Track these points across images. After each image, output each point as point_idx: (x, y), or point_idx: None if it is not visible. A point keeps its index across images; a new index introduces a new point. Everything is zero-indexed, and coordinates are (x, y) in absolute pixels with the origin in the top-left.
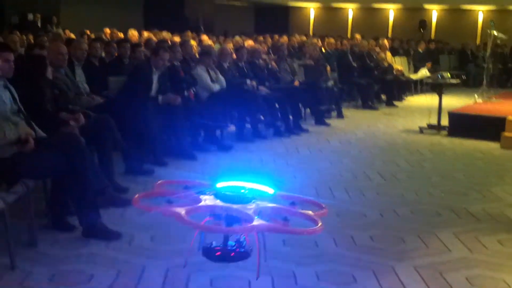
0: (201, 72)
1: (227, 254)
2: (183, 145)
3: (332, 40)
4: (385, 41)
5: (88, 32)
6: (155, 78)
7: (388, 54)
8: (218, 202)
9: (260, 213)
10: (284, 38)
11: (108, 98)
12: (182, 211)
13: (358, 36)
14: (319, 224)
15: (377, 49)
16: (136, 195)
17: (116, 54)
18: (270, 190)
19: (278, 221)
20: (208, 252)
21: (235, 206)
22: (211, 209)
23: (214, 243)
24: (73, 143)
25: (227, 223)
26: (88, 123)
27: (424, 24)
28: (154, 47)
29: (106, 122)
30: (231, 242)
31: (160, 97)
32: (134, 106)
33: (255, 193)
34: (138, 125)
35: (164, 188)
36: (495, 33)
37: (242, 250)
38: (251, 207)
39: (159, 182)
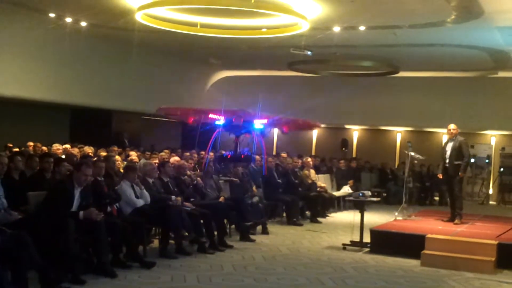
0: (125, 187)
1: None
2: (103, 262)
3: (257, 157)
4: (309, 159)
5: (10, 145)
6: (76, 193)
7: (312, 171)
8: None
9: None
10: (211, 154)
11: (27, 213)
12: None
13: (283, 154)
14: None
15: (299, 164)
16: None
17: (38, 168)
18: None
19: None
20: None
21: None
22: None
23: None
24: None
25: None
26: (3, 241)
27: (346, 143)
28: (77, 162)
29: (22, 239)
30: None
31: (81, 213)
32: (53, 222)
33: None
34: (56, 242)
35: None
36: (412, 153)
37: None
38: None
39: None
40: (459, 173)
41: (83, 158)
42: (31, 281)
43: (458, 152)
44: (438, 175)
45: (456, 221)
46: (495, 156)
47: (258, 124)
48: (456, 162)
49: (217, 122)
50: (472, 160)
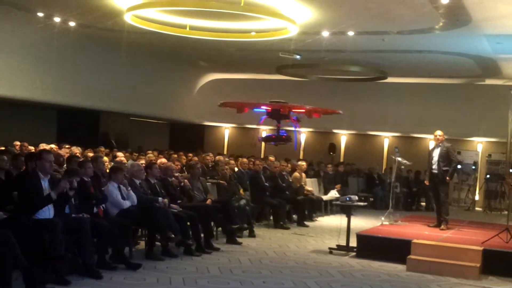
0: (112, 188)
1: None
2: (88, 263)
3: (245, 160)
4: (303, 163)
5: None
6: (44, 183)
7: (304, 175)
8: None
9: None
10: (199, 158)
11: (12, 213)
12: None
13: (271, 158)
14: None
15: (286, 168)
16: None
17: (24, 168)
18: None
19: None
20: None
21: None
22: None
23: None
24: None
25: None
26: None
27: (333, 147)
28: (36, 152)
29: (7, 239)
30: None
31: (52, 193)
32: (35, 221)
33: None
34: (43, 242)
35: None
36: (399, 159)
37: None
38: None
39: None
40: (447, 178)
41: (70, 158)
42: (15, 281)
43: (445, 158)
44: (425, 182)
45: (442, 227)
46: (482, 162)
47: (296, 112)
48: (445, 168)
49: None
50: (459, 166)
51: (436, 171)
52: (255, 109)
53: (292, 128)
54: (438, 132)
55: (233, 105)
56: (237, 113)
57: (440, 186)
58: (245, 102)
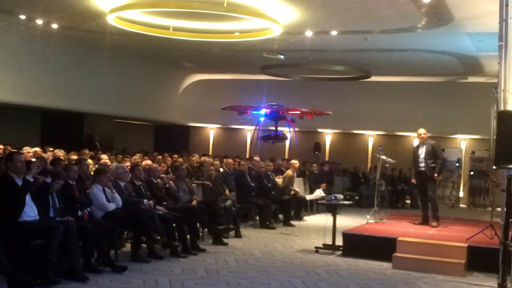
0: (96, 191)
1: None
2: (73, 267)
3: (230, 161)
4: (296, 162)
5: None
6: (19, 183)
7: (294, 174)
8: None
9: None
10: (183, 159)
11: None
12: None
13: (256, 158)
14: None
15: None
16: None
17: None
18: None
19: None
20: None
21: None
22: None
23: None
24: None
25: None
26: None
27: (318, 146)
28: (6, 154)
29: None
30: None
31: (29, 177)
32: (16, 226)
33: None
34: (26, 246)
35: None
36: (383, 157)
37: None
38: None
39: None
40: (435, 175)
41: (54, 161)
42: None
43: (432, 155)
44: (412, 181)
45: (434, 223)
46: (465, 159)
47: (291, 114)
48: (432, 165)
49: (262, 112)
50: (457, 164)
51: (423, 169)
52: (254, 111)
53: (287, 128)
54: (422, 130)
55: (235, 108)
56: (238, 115)
57: (428, 183)
58: (247, 105)
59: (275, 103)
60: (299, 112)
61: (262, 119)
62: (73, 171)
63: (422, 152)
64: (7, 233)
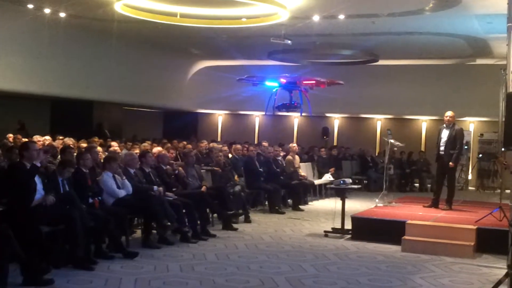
0: (107, 178)
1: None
2: (77, 255)
3: (239, 146)
4: (294, 145)
5: None
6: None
7: (297, 157)
8: None
9: None
10: (192, 145)
11: (8, 206)
12: None
13: (265, 143)
14: None
15: (282, 153)
16: None
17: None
18: None
19: None
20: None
21: None
22: None
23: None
24: None
25: None
26: None
27: (326, 131)
28: (21, 144)
29: (3, 232)
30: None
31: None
32: (28, 213)
33: None
34: (37, 233)
35: None
36: (392, 141)
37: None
38: None
39: None
40: (450, 163)
41: (64, 149)
42: (13, 273)
43: (453, 141)
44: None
45: (446, 206)
46: (474, 142)
47: (306, 84)
48: (452, 151)
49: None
50: (466, 147)
51: (443, 153)
52: (269, 80)
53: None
54: (449, 113)
55: (252, 79)
56: (252, 86)
57: (447, 169)
58: (263, 76)
59: (289, 74)
60: (314, 82)
61: (277, 89)
62: (87, 159)
63: (445, 135)
64: (20, 219)
